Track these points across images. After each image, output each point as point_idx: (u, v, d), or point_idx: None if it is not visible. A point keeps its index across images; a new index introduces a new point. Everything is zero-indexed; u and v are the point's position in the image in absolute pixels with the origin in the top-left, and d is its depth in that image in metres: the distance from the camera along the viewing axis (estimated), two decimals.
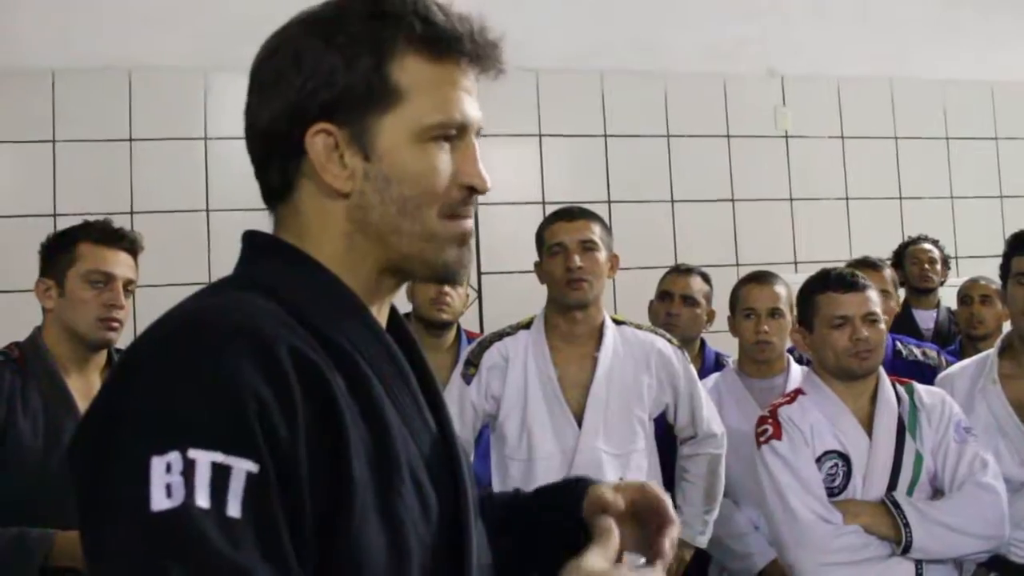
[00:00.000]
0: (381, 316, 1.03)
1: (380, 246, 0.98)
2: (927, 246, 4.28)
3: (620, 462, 2.57)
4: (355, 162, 0.95)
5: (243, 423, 0.78)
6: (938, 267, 4.22)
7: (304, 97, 0.94)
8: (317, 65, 0.94)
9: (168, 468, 0.75)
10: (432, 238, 0.98)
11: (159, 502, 0.74)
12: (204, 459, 0.76)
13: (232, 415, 0.78)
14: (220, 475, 0.76)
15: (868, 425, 2.38)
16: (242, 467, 0.77)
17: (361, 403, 0.89)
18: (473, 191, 0.99)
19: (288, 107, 0.95)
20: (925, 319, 4.16)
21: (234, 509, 0.76)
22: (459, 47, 0.97)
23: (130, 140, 4.25)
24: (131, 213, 4.11)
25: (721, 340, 3.51)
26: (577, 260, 2.54)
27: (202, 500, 0.75)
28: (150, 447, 0.76)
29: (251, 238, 1.02)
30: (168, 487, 0.75)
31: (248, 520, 0.76)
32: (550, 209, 2.80)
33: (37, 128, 4.18)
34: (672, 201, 4.86)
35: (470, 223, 1.01)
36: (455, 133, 0.97)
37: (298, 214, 0.99)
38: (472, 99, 0.99)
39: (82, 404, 2.15)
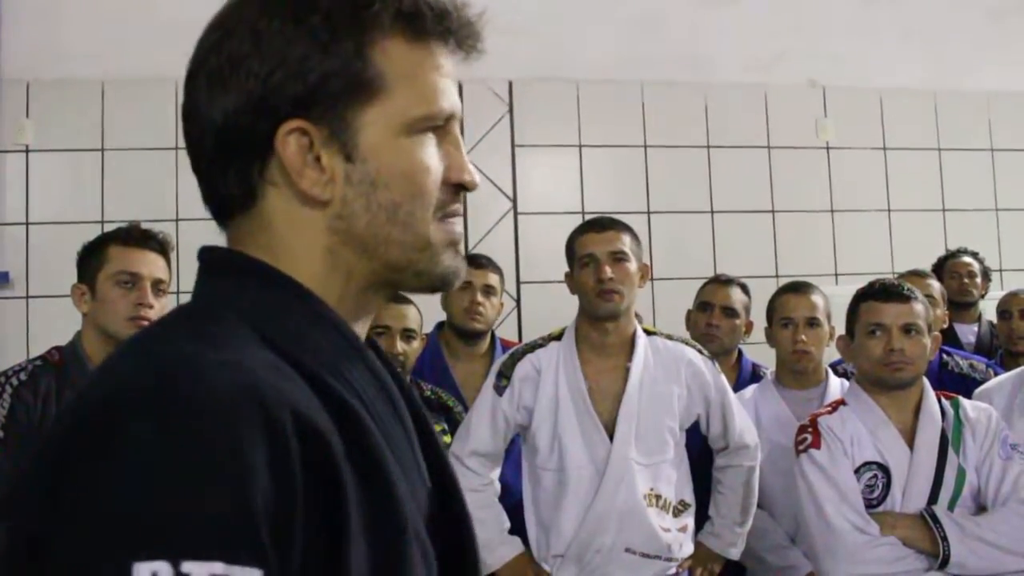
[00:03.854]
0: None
1: (366, 259, 0.84)
2: (966, 259, 4.20)
3: (651, 472, 2.56)
4: (335, 164, 0.81)
5: (248, 523, 0.63)
6: (978, 280, 4.15)
7: (271, 90, 0.79)
8: (286, 51, 0.78)
9: None
10: (426, 247, 0.84)
11: None
12: (201, 572, 0.60)
13: (236, 513, 0.63)
14: None
15: (910, 437, 2.36)
16: None
17: (362, 465, 0.73)
18: (461, 188, 0.87)
19: (250, 102, 0.79)
20: (966, 333, 4.10)
21: None
22: (446, 24, 0.83)
23: (176, 148, 4.31)
24: (176, 220, 4.17)
25: (758, 352, 3.49)
26: (608, 271, 2.52)
27: None
28: (132, 551, 0.60)
29: (210, 255, 0.87)
30: None
31: None
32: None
33: (86, 137, 4.29)
34: (712, 212, 4.84)
35: (460, 226, 0.88)
36: (441, 124, 0.85)
37: (266, 228, 0.84)
38: (453, 85, 0.86)
39: None
